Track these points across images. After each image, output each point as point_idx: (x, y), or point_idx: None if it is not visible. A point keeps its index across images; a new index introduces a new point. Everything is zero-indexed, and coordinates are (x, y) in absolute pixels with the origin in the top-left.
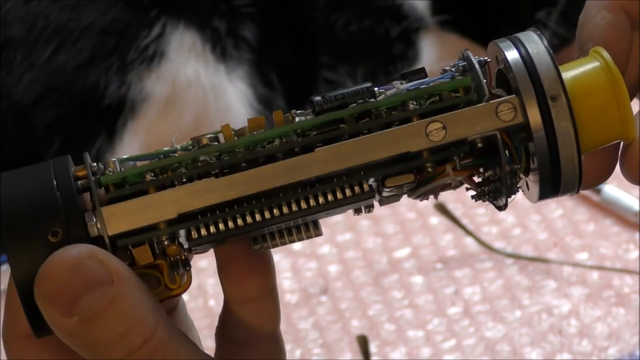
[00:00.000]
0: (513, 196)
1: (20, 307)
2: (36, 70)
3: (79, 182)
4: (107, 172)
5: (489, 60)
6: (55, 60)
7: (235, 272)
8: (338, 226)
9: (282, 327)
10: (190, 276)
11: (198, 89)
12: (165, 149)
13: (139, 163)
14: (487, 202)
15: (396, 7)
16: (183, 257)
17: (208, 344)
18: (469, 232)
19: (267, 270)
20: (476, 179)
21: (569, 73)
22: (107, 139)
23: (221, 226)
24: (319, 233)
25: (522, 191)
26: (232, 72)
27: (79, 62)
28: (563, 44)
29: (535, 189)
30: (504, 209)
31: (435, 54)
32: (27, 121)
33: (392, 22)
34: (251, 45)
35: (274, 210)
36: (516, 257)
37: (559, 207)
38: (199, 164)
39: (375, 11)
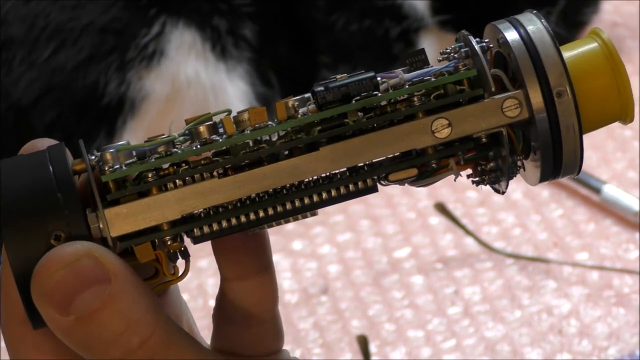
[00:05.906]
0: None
1: (16, 292)
2: (36, 69)
3: (77, 175)
4: (106, 168)
5: (491, 45)
6: (55, 59)
7: (231, 248)
8: (338, 226)
9: (282, 327)
10: (189, 264)
11: (198, 88)
12: (163, 137)
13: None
14: (487, 186)
15: (396, 7)
16: (182, 249)
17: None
18: (469, 232)
19: (262, 245)
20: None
21: (568, 54)
22: (106, 137)
23: (224, 224)
24: (314, 213)
25: (520, 174)
26: (232, 71)
27: (79, 61)
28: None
29: (535, 172)
30: (504, 193)
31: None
32: (27, 121)
33: (392, 22)
34: (251, 44)
35: (278, 208)
36: (516, 257)
37: (559, 207)
38: (202, 162)
39: (375, 11)
